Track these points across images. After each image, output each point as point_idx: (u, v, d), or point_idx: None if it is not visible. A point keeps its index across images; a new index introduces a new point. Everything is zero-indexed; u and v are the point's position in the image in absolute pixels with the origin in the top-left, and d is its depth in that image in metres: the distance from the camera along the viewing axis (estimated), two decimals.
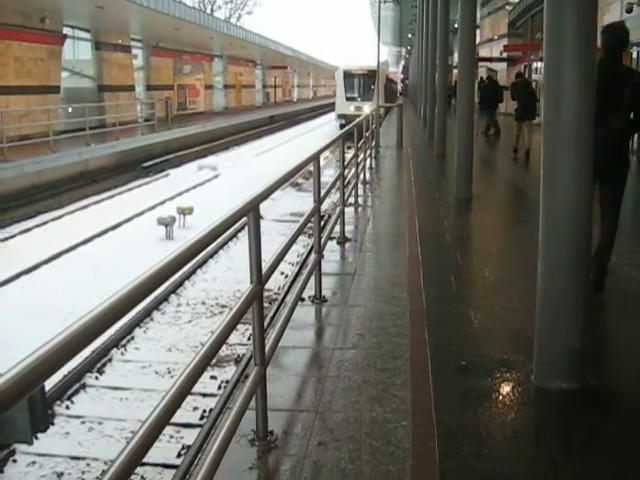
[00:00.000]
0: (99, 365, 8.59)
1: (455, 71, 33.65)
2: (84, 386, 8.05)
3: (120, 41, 32.99)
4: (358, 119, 11.50)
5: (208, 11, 67.79)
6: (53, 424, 7.10)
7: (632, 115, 5.79)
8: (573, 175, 4.08)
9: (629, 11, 18.89)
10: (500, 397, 4.12)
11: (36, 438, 6.19)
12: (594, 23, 4.10)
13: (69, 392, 7.83)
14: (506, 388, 4.23)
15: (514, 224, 10.13)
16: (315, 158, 5.50)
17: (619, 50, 5.80)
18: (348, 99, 40.76)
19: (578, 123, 4.05)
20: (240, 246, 14.07)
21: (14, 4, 22.85)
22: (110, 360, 8.80)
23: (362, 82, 40.90)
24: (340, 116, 40.00)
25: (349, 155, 10.69)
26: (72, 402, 7.69)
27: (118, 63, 32.79)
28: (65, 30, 27.81)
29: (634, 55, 18.80)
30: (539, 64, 35.69)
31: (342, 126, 34.34)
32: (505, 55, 41.47)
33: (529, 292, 4.68)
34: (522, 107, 16.70)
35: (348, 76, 41.24)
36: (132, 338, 9.53)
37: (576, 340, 4.17)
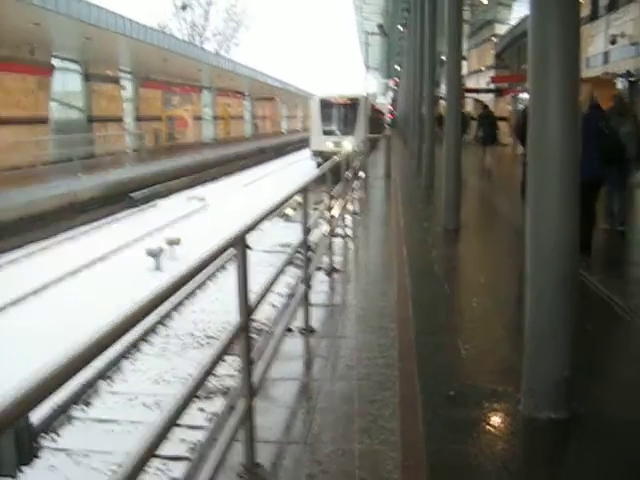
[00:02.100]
0: (85, 397, 8.51)
1: (443, 102, 33.96)
2: (70, 418, 7.97)
3: (109, 72, 33.16)
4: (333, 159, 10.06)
5: (197, 43, 68.37)
6: (38, 457, 7.01)
7: None
8: (559, 205, 4.12)
9: (613, 43, 19.15)
10: (489, 428, 4.11)
11: (20, 471, 6.12)
12: (577, 55, 4.18)
13: (55, 424, 7.75)
14: (495, 419, 4.23)
15: (502, 254, 10.16)
16: (303, 189, 5.52)
17: None
18: (325, 133, 34.68)
19: (563, 153, 4.10)
20: (229, 277, 14.04)
21: (3, 36, 22.96)
22: (97, 392, 8.73)
23: (342, 113, 35.10)
24: (316, 153, 34.21)
25: (337, 186, 10.73)
26: (58, 434, 7.61)
27: (107, 94, 32.94)
28: (54, 61, 27.96)
29: (619, 86, 19.02)
30: (526, 95, 36.04)
31: (319, 165, 29.44)
32: (492, 86, 41.90)
33: (517, 322, 4.69)
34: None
35: (325, 106, 35.16)
36: (119, 369, 9.46)
37: (564, 369, 4.17)
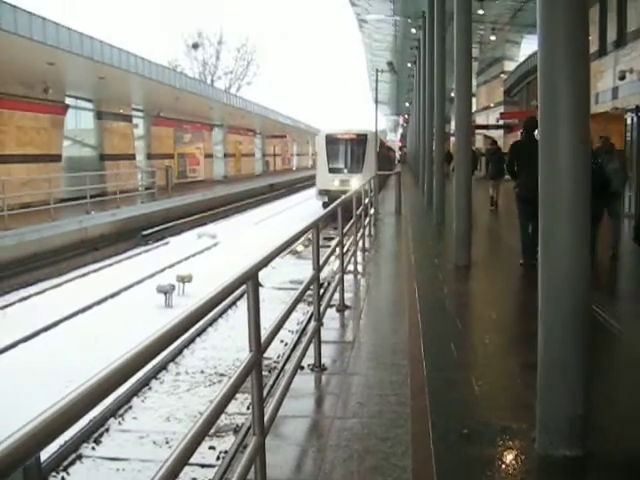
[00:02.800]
0: (96, 435, 8.47)
1: (452, 138, 34.08)
2: (80, 457, 7.93)
3: (121, 111, 33.50)
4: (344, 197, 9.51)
5: (208, 81, 69.12)
6: None
7: None
8: (571, 240, 4.11)
9: (622, 78, 19.25)
10: (503, 466, 4.06)
11: None
12: (587, 91, 4.19)
13: (65, 463, 7.71)
14: (509, 457, 4.17)
15: (514, 290, 10.13)
16: (314, 226, 5.54)
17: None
18: (332, 171, 32.61)
19: (574, 187, 4.09)
20: (240, 314, 14.03)
21: (18, 75, 23.28)
22: (107, 430, 8.69)
23: (350, 149, 33.13)
24: (322, 192, 32.32)
25: (348, 223, 10.75)
26: (68, 473, 7.57)
27: (119, 132, 33.23)
28: (67, 100, 28.28)
29: (628, 121, 19.08)
30: (536, 131, 36.14)
31: (325, 205, 28.94)
32: (501, 122, 42.05)
33: (530, 358, 4.66)
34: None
35: (332, 142, 33.17)
36: (130, 407, 9.43)
37: (577, 406, 4.13)
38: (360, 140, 32.69)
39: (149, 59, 28.27)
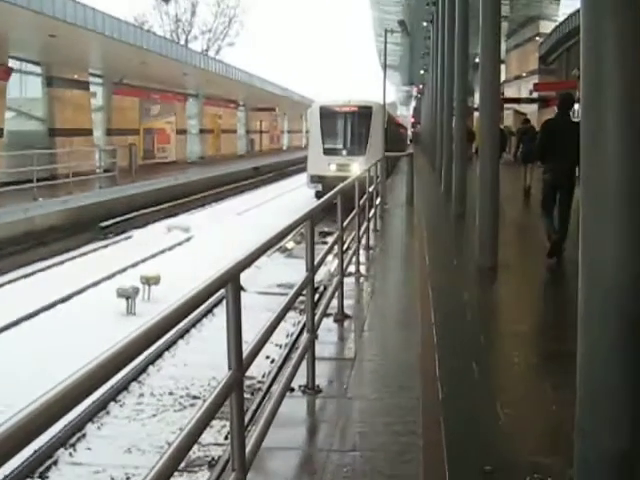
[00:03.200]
0: (42, 469, 8.46)
1: (476, 113, 33.99)
2: None
3: (76, 76, 33.43)
4: (346, 182, 9.41)
5: (182, 42, 68.99)
6: None
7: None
8: (618, 242, 4.08)
9: None
10: None
11: None
12: (638, 57, 4.14)
13: None
14: None
15: (549, 298, 10.14)
16: (308, 218, 5.53)
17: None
18: (328, 152, 31.47)
19: (621, 177, 4.06)
20: (217, 324, 14.02)
21: None
22: (56, 463, 8.68)
23: (350, 125, 32.04)
24: (315, 179, 31.29)
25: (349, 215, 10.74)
26: None
27: (73, 102, 33.17)
28: (10, 62, 28.19)
29: None
30: (576, 106, 36.15)
31: (319, 195, 28.10)
32: (535, 95, 42.09)
33: (567, 381, 4.66)
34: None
35: (327, 116, 32.03)
36: (83, 436, 9.42)
37: (624, 439, 4.12)
38: (363, 114, 31.68)
39: (110, 14, 28.22)
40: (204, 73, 42.40)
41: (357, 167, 26.82)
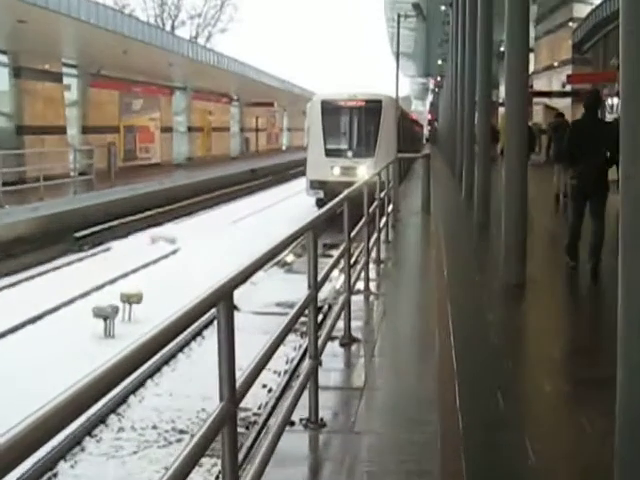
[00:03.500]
0: None
1: (501, 109, 34.00)
2: None
3: (48, 67, 33.50)
4: (353, 187, 9.15)
5: (168, 28, 69.16)
6: None
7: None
8: None
9: None
10: None
11: None
12: None
13: None
14: None
15: (583, 319, 10.12)
16: (310, 228, 5.53)
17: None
18: (330, 153, 30.84)
19: None
20: (208, 348, 14.01)
21: None
22: None
23: (357, 122, 31.48)
24: (315, 185, 30.73)
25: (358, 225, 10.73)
26: None
27: (45, 96, 33.22)
28: None
29: None
30: (615, 100, 36.22)
31: (320, 203, 27.90)
32: (569, 88, 42.09)
33: (603, 410, 4.65)
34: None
35: (330, 111, 31.39)
36: (54, 476, 9.41)
37: None
38: (372, 109, 31.11)
39: None
40: (192, 63, 42.49)
41: (365, 171, 26.11)
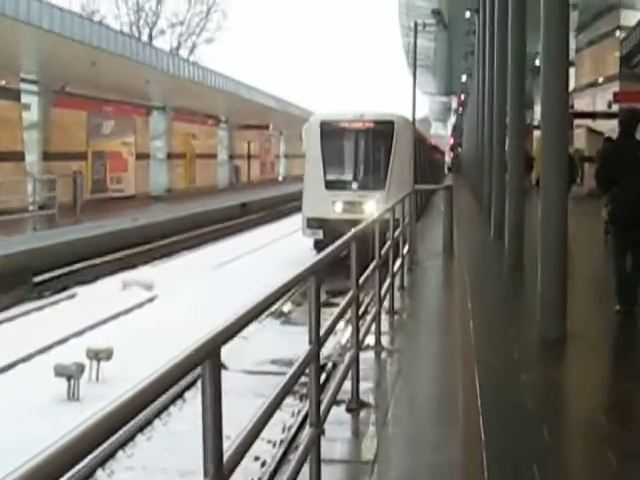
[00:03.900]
0: None
1: (536, 132, 34.09)
2: None
3: (4, 83, 33.66)
4: (361, 226, 9.07)
5: (145, 38, 69.56)
6: None
7: None
8: None
9: None
10: None
11: None
12: None
13: None
14: None
15: (634, 381, 10.09)
16: (312, 274, 5.53)
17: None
18: (331, 186, 30.09)
19: None
20: (189, 413, 13.98)
21: None
22: None
23: (364, 147, 30.58)
24: (313, 224, 29.84)
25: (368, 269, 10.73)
26: None
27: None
28: None
29: None
30: None
31: (319, 245, 27.79)
32: (616, 108, 42.19)
33: None
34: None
35: (331, 134, 30.62)
36: None
37: None
38: (382, 132, 30.24)
39: (49, 1, 28.50)
40: (173, 79, 42.71)
41: (373, 207, 26.05)
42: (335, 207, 29.32)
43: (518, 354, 10.85)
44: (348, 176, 30.41)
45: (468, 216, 31.36)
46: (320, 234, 28.82)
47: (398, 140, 29.79)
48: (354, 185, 29.99)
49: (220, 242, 39.88)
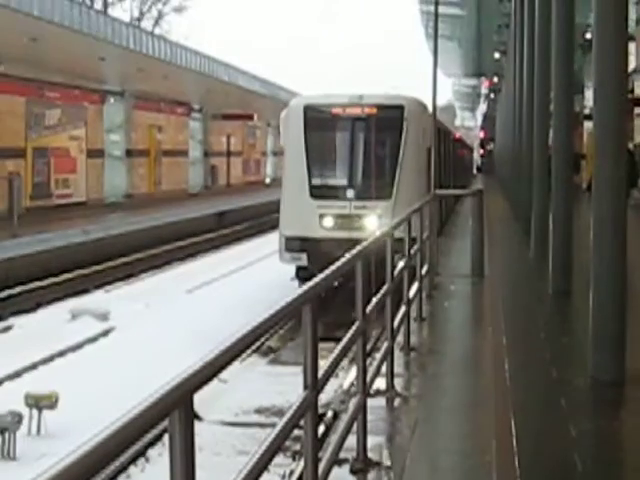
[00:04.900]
0: None
1: (587, 124, 34.25)
2: None
3: None
4: (368, 242, 8.99)
5: (98, 6, 69.61)
6: None
7: None
8: None
9: None
10: None
11: None
12: None
13: None
14: None
15: None
16: (307, 302, 5.54)
17: None
18: (317, 193, 27.25)
19: None
20: (154, 475, 13.99)
21: None
22: None
23: (363, 141, 27.78)
24: (293, 245, 26.94)
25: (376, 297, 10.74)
26: None
27: None
28: None
29: None
30: None
31: (301, 275, 26.14)
32: None
33: None
34: None
35: (319, 124, 28.15)
36: None
37: None
38: (388, 120, 27.64)
39: None
40: (134, 57, 42.74)
41: (376, 222, 24.77)
42: (324, 222, 26.76)
43: (565, 401, 10.85)
44: (341, 181, 27.77)
45: (502, 228, 31.42)
46: (303, 259, 26.47)
47: (409, 131, 27.00)
48: (349, 193, 27.19)
49: (191, 261, 39.92)
